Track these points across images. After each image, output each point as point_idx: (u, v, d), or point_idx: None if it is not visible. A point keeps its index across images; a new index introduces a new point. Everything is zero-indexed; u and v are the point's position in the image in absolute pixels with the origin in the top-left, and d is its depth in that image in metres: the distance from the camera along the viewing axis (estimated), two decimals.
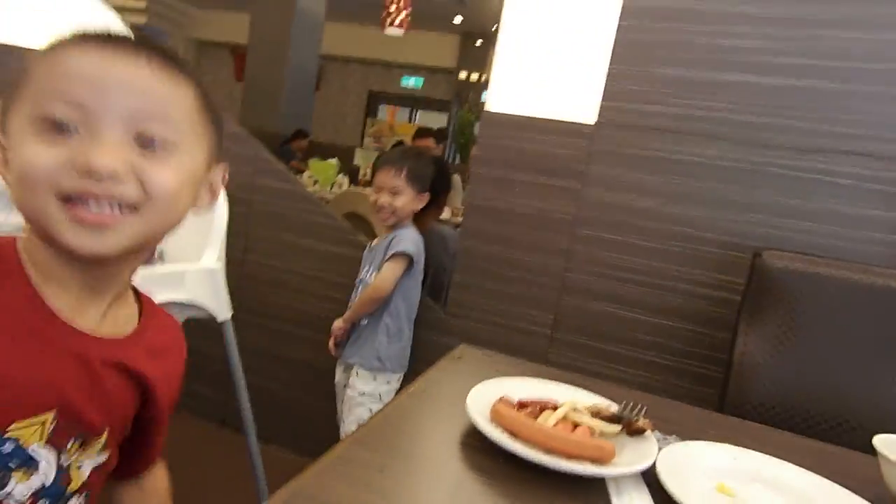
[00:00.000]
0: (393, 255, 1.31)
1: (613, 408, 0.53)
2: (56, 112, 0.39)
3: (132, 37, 0.44)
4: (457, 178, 2.72)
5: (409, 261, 1.33)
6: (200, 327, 1.71)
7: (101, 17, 1.63)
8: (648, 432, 0.49)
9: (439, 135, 3.75)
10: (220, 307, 1.23)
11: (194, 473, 1.50)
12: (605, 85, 1.30)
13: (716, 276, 1.25)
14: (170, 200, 0.44)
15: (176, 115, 0.44)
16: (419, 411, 0.51)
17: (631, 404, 0.53)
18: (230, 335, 1.27)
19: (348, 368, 1.40)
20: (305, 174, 3.76)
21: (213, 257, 1.22)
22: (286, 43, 5.18)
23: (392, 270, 1.31)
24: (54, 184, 0.39)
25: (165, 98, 0.43)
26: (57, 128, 0.39)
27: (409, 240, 1.33)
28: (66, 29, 0.44)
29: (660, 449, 0.48)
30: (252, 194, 1.69)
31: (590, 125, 1.31)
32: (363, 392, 1.34)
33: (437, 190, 1.57)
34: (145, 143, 0.42)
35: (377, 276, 1.32)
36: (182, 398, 1.77)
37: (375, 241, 1.44)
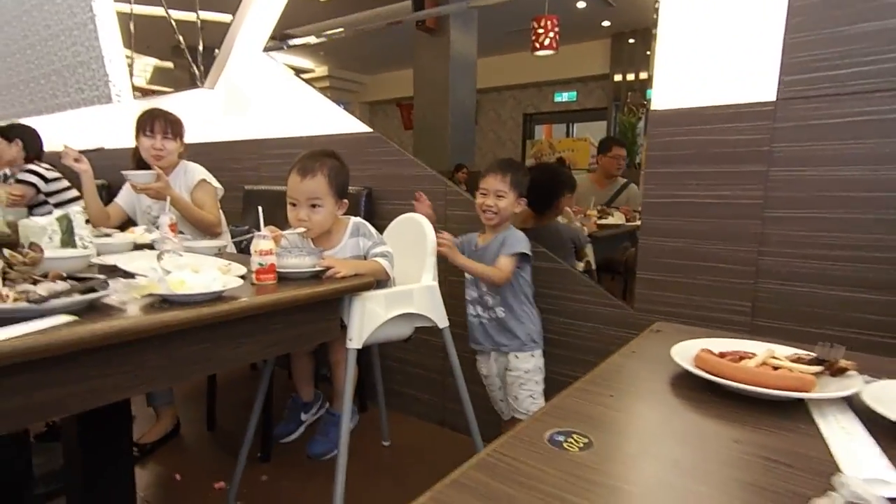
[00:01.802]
0: (512, 254, 1.50)
1: (812, 356, 0.59)
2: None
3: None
4: (632, 187, 2.71)
5: (524, 258, 1.53)
6: (419, 344, 2.04)
7: (310, 96, 2.21)
8: (852, 371, 0.54)
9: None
10: (440, 317, 1.50)
11: (424, 468, 1.79)
12: (783, 58, 1.27)
13: None
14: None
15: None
16: (631, 365, 0.64)
17: (829, 345, 0.58)
18: (449, 340, 1.53)
19: (501, 357, 1.60)
20: None
21: (429, 277, 1.51)
22: (446, 87, 5.82)
23: (512, 264, 1.50)
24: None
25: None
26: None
27: (523, 241, 1.53)
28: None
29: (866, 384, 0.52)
30: (446, 223, 1.98)
31: (769, 103, 1.29)
32: (528, 370, 1.56)
33: (558, 194, 1.90)
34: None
35: (500, 263, 1.50)
36: (405, 402, 2.17)
37: (481, 240, 1.63)
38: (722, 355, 0.59)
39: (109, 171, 2.72)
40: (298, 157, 1.43)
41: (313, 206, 1.39)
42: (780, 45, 1.27)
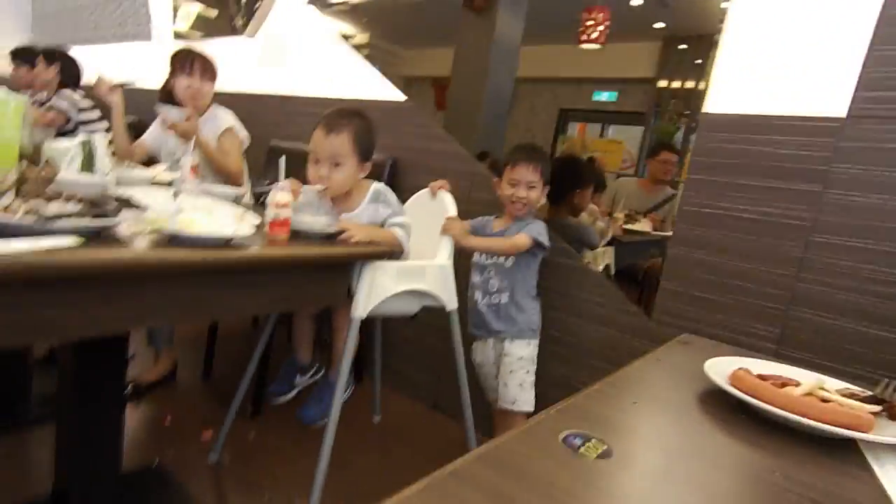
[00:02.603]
0: (533, 237, 1.44)
1: (868, 394, 0.52)
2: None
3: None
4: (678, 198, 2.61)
5: (540, 247, 1.47)
6: (422, 323, 2.00)
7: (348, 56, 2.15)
8: None
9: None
10: (450, 298, 1.45)
11: (411, 450, 1.75)
12: (862, 71, 1.17)
13: None
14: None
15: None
16: (657, 373, 0.58)
17: (893, 385, 0.51)
18: (455, 323, 1.48)
19: (498, 344, 1.55)
20: None
21: (444, 256, 1.45)
22: (485, 70, 5.72)
23: (529, 241, 1.44)
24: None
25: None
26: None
27: (545, 231, 1.48)
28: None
29: None
30: (469, 206, 1.92)
31: (837, 119, 1.19)
32: (521, 357, 1.51)
33: (571, 188, 1.91)
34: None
35: (517, 237, 1.45)
36: (400, 380, 2.12)
37: (497, 225, 1.57)
38: (762, 377, 0.53)
39: (139, 108, 2.70)
40: (326, 113, 1.38)
41: (335, 164, 1.34)
42: (862, 56, 1.16)
